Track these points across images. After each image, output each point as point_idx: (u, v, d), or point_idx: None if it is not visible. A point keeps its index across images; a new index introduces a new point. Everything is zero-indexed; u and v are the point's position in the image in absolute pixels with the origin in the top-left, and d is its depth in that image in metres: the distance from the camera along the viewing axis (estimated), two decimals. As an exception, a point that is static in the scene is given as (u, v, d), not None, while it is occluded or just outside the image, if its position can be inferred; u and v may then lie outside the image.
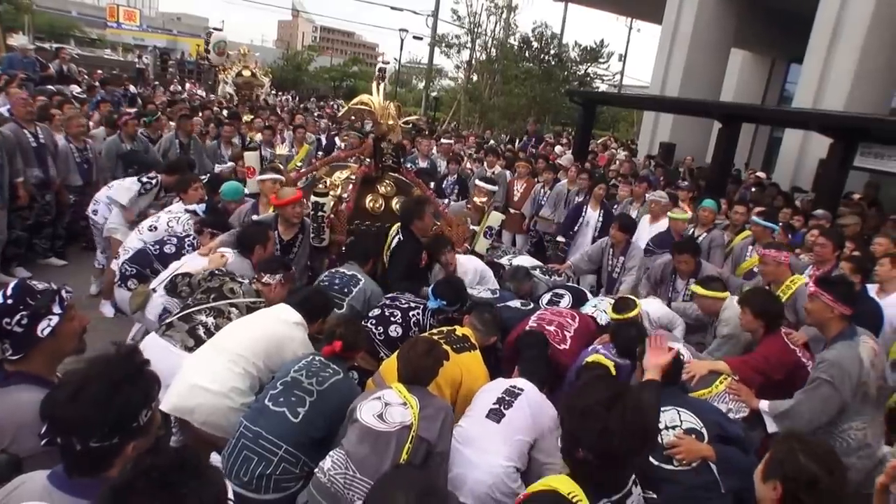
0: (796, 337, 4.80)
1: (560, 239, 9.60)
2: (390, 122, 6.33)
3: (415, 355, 3.61)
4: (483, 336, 4.58)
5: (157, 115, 11.54)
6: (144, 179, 7.26)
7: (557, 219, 10.21)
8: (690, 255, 6.51)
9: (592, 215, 9.20)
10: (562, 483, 2.28)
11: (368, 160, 6.57)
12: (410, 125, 23.91)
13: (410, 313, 4.98)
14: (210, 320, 4.37)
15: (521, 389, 3.79)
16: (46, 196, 8.14)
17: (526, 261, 7.29)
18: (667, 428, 3.46)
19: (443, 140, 15.24)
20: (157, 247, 5.85)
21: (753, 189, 13.05)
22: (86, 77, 19.56)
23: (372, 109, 6.38)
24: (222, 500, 1.64)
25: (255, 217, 6.47)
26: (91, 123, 10.70)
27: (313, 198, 5.71)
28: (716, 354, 5.15)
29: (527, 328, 4.87)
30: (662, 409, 3.49)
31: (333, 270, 5.49)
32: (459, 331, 4.48)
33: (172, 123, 10.92)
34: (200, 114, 13.30)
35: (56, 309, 2.61)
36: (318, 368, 3.74)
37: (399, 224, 5.91)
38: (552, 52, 35.55)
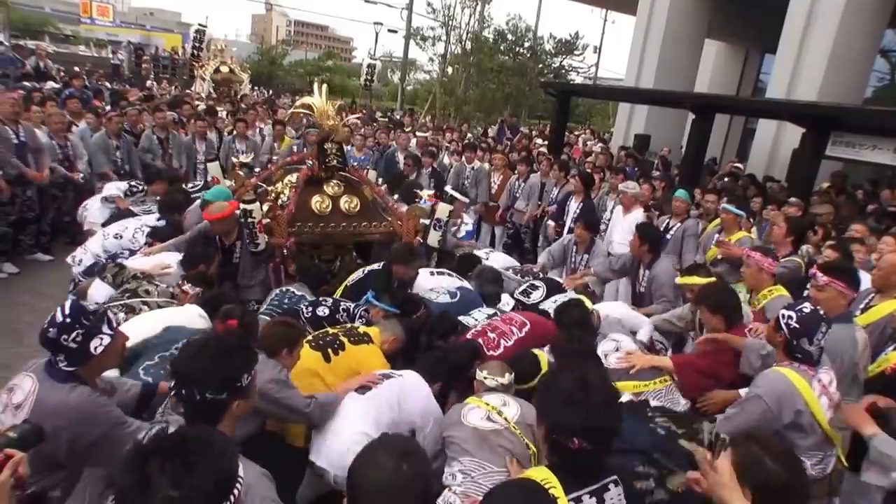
0: (761, 329, 4.47)
1: (550, 223, 10.09)
2: (330, 122, 6.34)
3: (268, 326, 3.99)
4: (382, 332, 4.61)
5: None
6: (133, 184, 7.82)
7: (531, 210, 10.50)
8: (583, 227, 7.24)
9: (573, 206, 9.55)
10: (537, 472, 2.38)
11: (310, 162, 6.65)
12: (388, 118, 23.97)
13: (341, 304, 5.17)
14: (121, 315, 4.55)
15: (400, 375, 3.93)
16: (28, 192, 8.43)
17: (500, 259, 7.29)
18: None
19: (418, 133, 15.32)
20: (111, 262, 5.89)
21: (726, 179, 13.12)
22: (63, 74, 19.58)
23: (312, 112, 6.41)
24: (233, 474, 1.76)
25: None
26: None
27: (241, 205, 5.80)
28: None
29: (468, 336, 4.83)
30: None
31: (284, 289, 5.59)
32: (362, 329, 4.57)
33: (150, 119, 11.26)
34: (179, 109, 13.46)
35: (106, 329, 2.96)
36: None
37: (365, 268, 6.00)
38: (526, 44, 35.53)
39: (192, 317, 4.37)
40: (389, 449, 2.16)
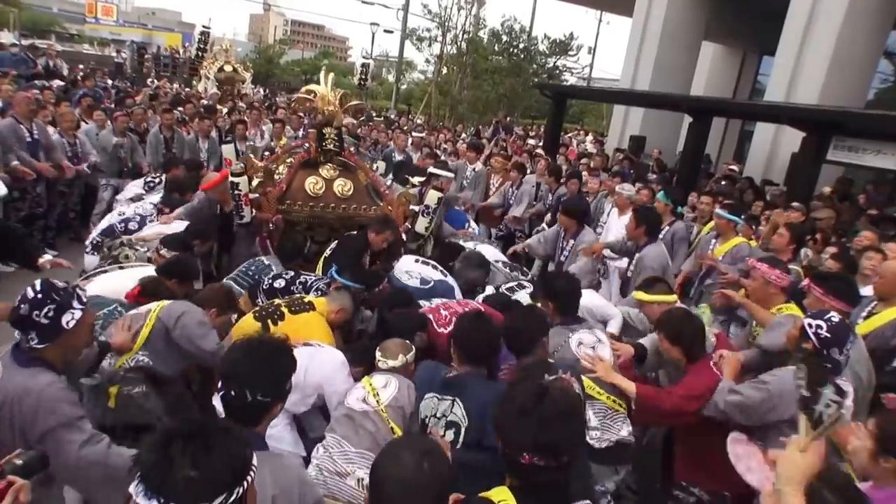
0: (728, 361, 4.13)
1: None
2: (330, 108, 6.47)
3: (208, 287, 4.52)
4: (329, 301, 4.68)
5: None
6: (149, 179, 8.41)
7: (521, 210, 10.42)
8: (562, 212, 7.21)
9: None
10: (497, 492, 2.32)
11: (307, 145, 6.86)
12: (382, 118, 23.95)
13: (299, 277, 5.33)
14: None
15: (320, 346, 4.13)
16: (38, 188, 8.73)
17: (489, 252, 7.11)
18: (435, 416, 3.49)
19: (414, 133, 15.34)
20: (123, 224, 6.70)
21: (723, 182, 12.98)
22: (71, 73, 19.98)
23: (314, 98, 6.57)
24: (248, 461, 1.84)
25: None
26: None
27: (230, 177, 6.07)
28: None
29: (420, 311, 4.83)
30: (443, 395, 3.52)
31: (254, 259, 5.91)
32: (307, 298, 4.74)
33: (157, 117, 11.60)
34: (183, 107, 13.82)
35: (77, 304, 2.99)
36: (114, 318, 4.11)
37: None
38: (521, 45, 35.54)
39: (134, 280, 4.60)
40: (412, 447, 2.23)
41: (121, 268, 5.14)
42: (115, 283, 4.69)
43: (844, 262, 5.93)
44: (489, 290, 5.92)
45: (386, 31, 40.63)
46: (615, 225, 8.71)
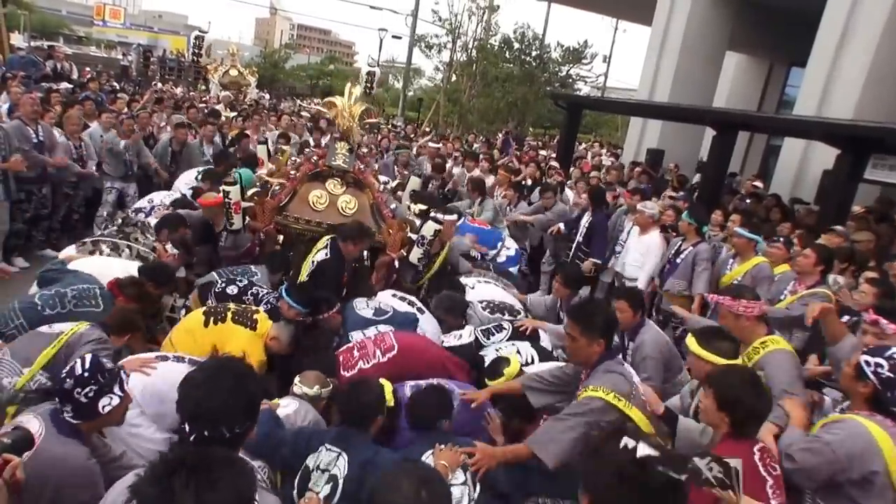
0: (793, 405, 3.46)
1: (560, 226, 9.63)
2: (345, 122, 6.61)
3: (118, 308, 4.55)
4: (271, 328, 4.78)
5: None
6: (202, 170, 9.37)
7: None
8: (559, 282, 6.46)
9: (584, 219, 9.24)
10: None
11: (315, 158, 7.01)
12: (390, 125, 23.67)
13: (252, 288, 5.54)
14: (107, 251, 5.75)
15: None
16: (43, 190, 8.96)
17: (491, 293, 6.84)
18: (319, 468, 3.39)
19: (430, 144, 15.72)
20: (134, 213, 7.66)
21: (749, 200, 12.32)
22: (79, 76, 20.58)
23: (334, 110, 6.75)
24: (252, 496, 1.87)
25: None
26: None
27: (221, 186, 6.46)
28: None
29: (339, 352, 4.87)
30: (331, 447, 3.45)
31: (244, 265, 6.31)
32: (257, 315, 4.83)
33: (163, 116, 12.55)
34: (186, 112, 14.28)
35: (117, 390, 3.00)
36: (88, 296, 4.57)
37: (329, 237, 6.05)
38: (533, 53, 35.16)
39: (125, 272, 4.99)
40: (410, 476, 2.23)
41: (129, 246, 5.85)
42: (107, 268, 5.10)
43: (884, 289, 5.49)
44: (468, 329, 5.67)
45: (394, 36, 40.73)
46: (635, 245, 8.43)
